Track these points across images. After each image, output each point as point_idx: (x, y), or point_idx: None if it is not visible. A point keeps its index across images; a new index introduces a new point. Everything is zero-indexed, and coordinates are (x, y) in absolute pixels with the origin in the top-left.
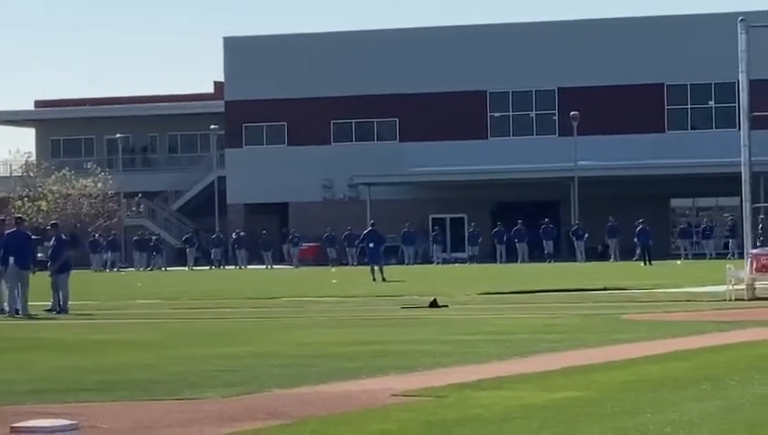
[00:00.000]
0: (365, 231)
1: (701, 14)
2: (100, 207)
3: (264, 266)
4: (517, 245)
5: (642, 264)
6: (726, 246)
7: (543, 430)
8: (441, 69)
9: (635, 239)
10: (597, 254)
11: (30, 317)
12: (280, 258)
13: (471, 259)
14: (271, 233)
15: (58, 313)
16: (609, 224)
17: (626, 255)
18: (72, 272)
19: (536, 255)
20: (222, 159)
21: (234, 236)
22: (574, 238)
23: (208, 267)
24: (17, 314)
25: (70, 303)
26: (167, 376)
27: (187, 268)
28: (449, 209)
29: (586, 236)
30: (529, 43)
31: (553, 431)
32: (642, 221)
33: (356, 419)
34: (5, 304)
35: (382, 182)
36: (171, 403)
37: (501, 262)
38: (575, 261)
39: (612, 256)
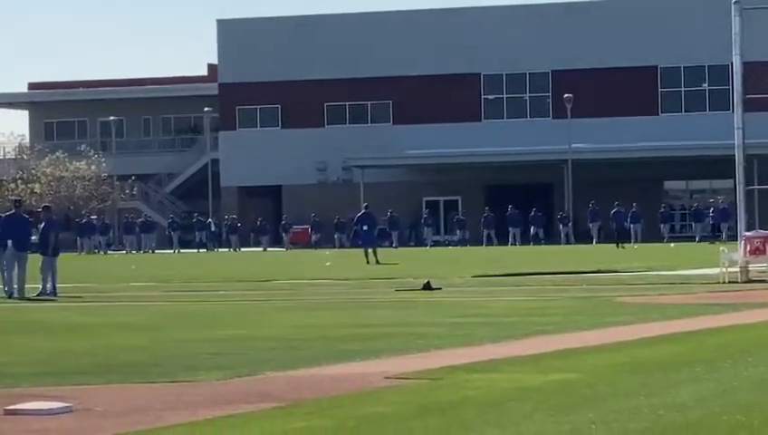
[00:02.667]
0: (359, 214)
1: None
2: (93, 190)
3: (261, 249)
4: (510, 229)
5: (616, 246)
6: (713, 229)
7: (537, 413)
8: (435, 51)
9: (625, 222)
10: (590, 237)
11: (26, 299)
12: (275, 241)
13: (461, 242)
14: (266, 216)
15: (47, 294)
16: (590, 208)
17: (609, 238)
18: (63, 255)
19: (527, 238)
20: (215, 141)
21: (226, 220)
22: (560, 224)
23: (202, 250)
24: (12, 296)
25: (58, 285)
26: (160, 359)
27: (172, 251)
28: (443, 192)
29: (570, 223)
30: (523, 25)
31: (547, 414)
32: (618, 203)
33: (350, 401)
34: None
35: (376, 165)
36: (165, 386)
37: (488, 245)
38: (564, 244)
39: (594, 239)
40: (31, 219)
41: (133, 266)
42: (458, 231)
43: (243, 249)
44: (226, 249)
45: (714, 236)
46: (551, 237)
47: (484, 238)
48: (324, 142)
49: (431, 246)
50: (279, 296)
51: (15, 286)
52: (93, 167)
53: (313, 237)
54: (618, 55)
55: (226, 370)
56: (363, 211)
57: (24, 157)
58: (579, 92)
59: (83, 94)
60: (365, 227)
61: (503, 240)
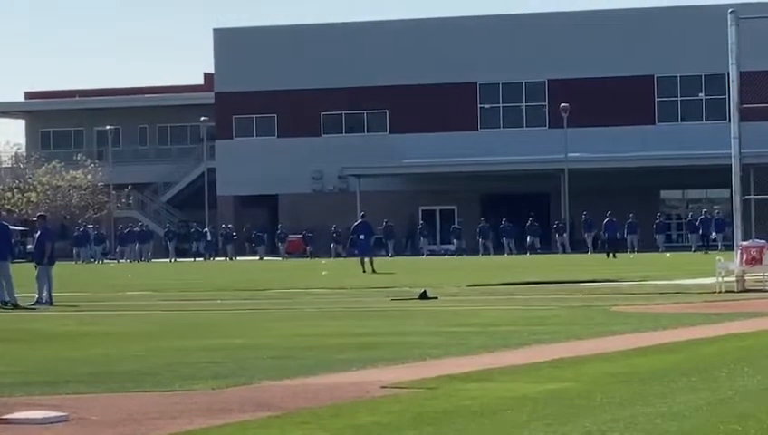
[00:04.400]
0: (356, 223)
1: (691, 5)
2: (89, 199)
3: (257, 258)
4: (504, 240)
5: (606, 256)
6: (703, 238)
7: (533, 422)
8: (431, 60)
9: (618, 232)
10: (586, 247)
11: (21, 308)
12: (271, 251)
13: (457, 252)
14: (262, 226)
15: (43, 304)
16: (584, 218)
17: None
18: (59, 264)
19: (523, 247)
20: (212, 150)
21: (222, 229)
22: (556, 234)
23: (199, 259)
24: (6, 304)
25: (54, 294)
26: (156, 368)
27: (168, 260)
28: (439, 201)
29: (565, 234)
30: (519, 34)
31: (543, 423)
32: (610, 213)
33: (346, 410)
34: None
35: (372, 174)
36: (161, 395)
37: (484, 255)
38: (560, 253)
39: (590, 249)
40: (25, 229)
41: (129, 275)
42: (454, 241)
43: (239, 258)
44: (222, 258)
45: (703, 245)
46: (547, 247)
47: (481, 248)
48: (321, 151)
49: (427, 255)
50: (275, 305)
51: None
52: (90, 176)
53: (308, 248)
54: (614, 65)
55: (222, 379)
56: (360, 220)
57: (21, 165)
58: (575, 102)
59: (80, 103)
60: (361, 237)
61: (499, 250)
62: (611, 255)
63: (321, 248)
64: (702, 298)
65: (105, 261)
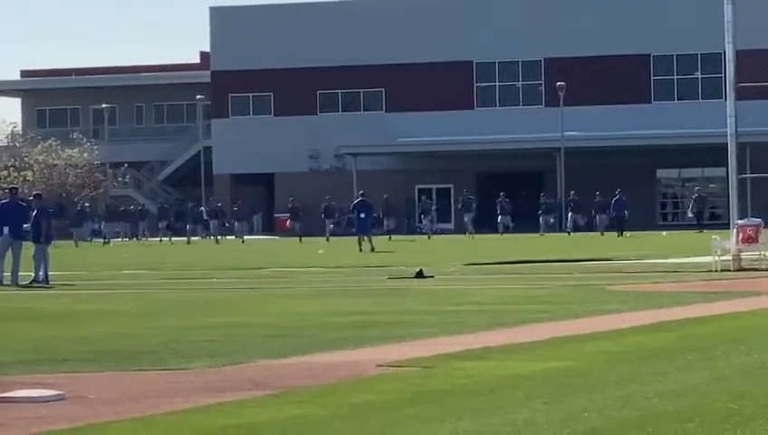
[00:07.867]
0: (355, 201)
1: None
2: (86, 178)
3: (253, 236)
4: (542, 218)
5: (617, 235)
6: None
7: (530, 401)
8: (427, 39)
9: (612, 211)
10: (581, 226)
11: (19, 287)
12: (268, 229)
13: (475, 225)
14: (258, 204)
15: (39, 282)
16: (570, 198)
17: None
18: (56, 243)
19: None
20: (208, 129)
21: (220, 206)
22: (570, 212)
23: (195, 239)
24: (2, 283)
25: (50, 273)
26: (153, 346)
27: (163, 239)
28: (435, 180)
29: (571, 211)
30: (515, 13)
31: (540, 402)
32: (619, 191)
33: (342, 389)
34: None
35: (368, 152)
36: (157, 374)
37: (504, 233)
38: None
39: (566, 227)
40: (23, 205)
41: (125, 255)
42: (466, 213)
43: (229, 237)
44: (220, 237)
45: (698, 224)
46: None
47: (501, 227)
48: (317, 130)
49: (424, 232)
50: (271, 284)
51: (7, 274)
52: (86, 154)
53: (289, 223)
54: (610, 43)
55: (219, 357)
56: (359, 199)
57: (17, 144)
58: (571, 80)
59: (76, 82)
60: (361, 215)
61: (486, 228)
62: (620, 233)
63: (310, 226)
64: (698, 277)
65: (96, 240)
